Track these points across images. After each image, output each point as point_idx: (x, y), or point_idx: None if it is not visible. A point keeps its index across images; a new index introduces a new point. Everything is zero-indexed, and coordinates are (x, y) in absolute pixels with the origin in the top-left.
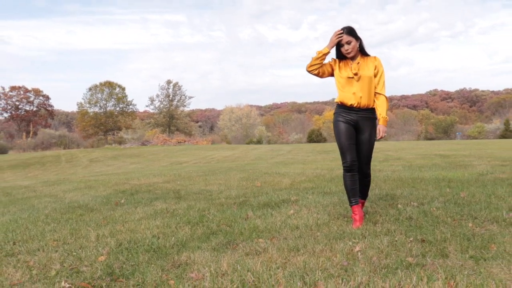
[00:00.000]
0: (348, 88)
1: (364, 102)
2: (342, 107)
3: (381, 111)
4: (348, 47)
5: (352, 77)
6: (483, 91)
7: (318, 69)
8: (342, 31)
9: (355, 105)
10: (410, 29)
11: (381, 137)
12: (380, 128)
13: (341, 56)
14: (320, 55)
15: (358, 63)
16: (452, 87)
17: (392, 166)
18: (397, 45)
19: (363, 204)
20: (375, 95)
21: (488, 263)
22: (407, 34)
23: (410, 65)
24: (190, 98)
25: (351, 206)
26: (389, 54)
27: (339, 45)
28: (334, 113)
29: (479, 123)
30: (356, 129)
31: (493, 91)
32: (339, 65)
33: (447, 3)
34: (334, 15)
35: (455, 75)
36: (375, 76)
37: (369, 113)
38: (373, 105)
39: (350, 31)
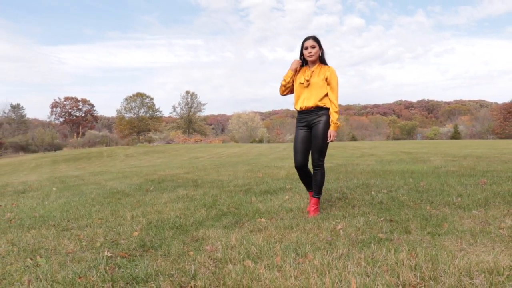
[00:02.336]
0: (298, 93)
1: (310, 105)
2: (298, 112)
3: (333, 117)
4: (312, 50)
5: (303, 83)
6: (438, 101)
7: (289, 89)
8: (301, 61)
9: (303, 109)
10: (381, 52)
11: (332, 140)
12: (331, 132)
13: (305, 62)
14: (289, 79)
15: (313, 71)
16: (414, 98)
17: (367, 161)
18: (371, 64)
19: (317, 202)
20: (329, 102)
21: (442, 238)
22: (379, 56)
23: (381, 80)
24: (204, 104)
25: (308, 191)
26: (365, 71)
27: (302, 49)
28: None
29: (435, 127)
30: (311, 128)
31: (445, 102)
32: (297, 74)
33: (410, 32)
34: (321, 40)
35: (416, 88)
36: (328, 84)
37: (320, 111)
38: (324, 105)
39: (316, 38)
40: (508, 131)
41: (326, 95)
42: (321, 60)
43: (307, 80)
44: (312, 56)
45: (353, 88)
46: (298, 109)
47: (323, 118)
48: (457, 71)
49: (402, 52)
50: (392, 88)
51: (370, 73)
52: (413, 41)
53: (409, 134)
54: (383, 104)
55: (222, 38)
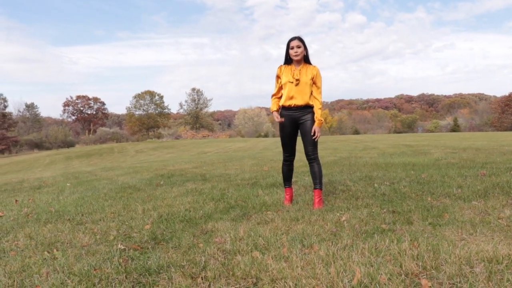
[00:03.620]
0: (287, 91)
1: (300, 103)
2: (284, 109)
3: (317, 114)
4: (298, 50)
5: (292, 82)
6: (438, 95)
7: (277, 99)
8: (283, 119)
9: (293, 106)
10: (382, 48)
11: (316, 137)
12: (315, 129)
13: (288, 61)
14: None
15: (300, 70)
16: (414, 92)
17: (369, 154)
18: (373, 59)
19: (320, 194)
20: (313, 99)
21: (442, 228)
22: (380, 51)
23: (383, 75)
24: (209, 100)
25: (284, 188)
26: (367, 66)
27: (288, 49)
28: (279, 114)
29: (435, 120)
30: (298, 124)
31: (445, 95)
32: (283, 72)
33: (410, 28)
34: (324, 37)
35: (417, 82)
36: (314, 83)
37: (308, 109)
38: (311, 103)
39: (301, 39)
40: (506, 123)
41: (312, 93)
42: (306, 59)
43: (297, 79)
44: (298, 55)
45: (355, 83)
46: (287, 106)
47: (310, 116)
48: (456, 65)
49: (402, 48)
50: (393, 83)
51: (372, 68)
52: (413, 36)
53: (410, 127)
54: (384, 98)
55: (227, 36)
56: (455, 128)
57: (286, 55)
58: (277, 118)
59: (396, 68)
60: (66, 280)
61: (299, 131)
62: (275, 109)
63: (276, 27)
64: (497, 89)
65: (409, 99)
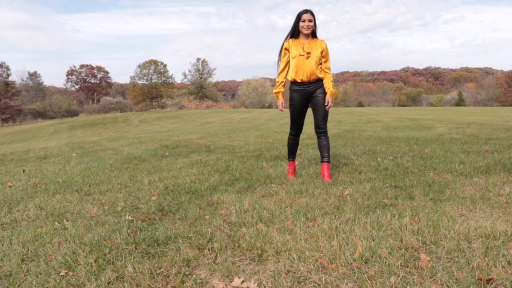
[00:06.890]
0: (298, 65)
1: (312, 77)
2: (296, 84)
3: (328, 86)
4: (309, 23)
5: (303, 55)
6: (444, 68)
7: (284, 83)
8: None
9: (305, 80)
10: (390, 19)
11: (329, 107)
12: (328, 99)
13: (296, 34)
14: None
15: (309, 43)
16: (421, 65)
17: (373, 127)
18: (380, 31)
19: (329, 167)
20: (324, 72)
21: (443, 204)
22: (388, 23)
23: (389, 47)
24: (214, 70)
25: (288, 161)
26: (373, 38)
27: (299, 21)
28: (290, 89)
29: (440, 94)
30: (310, 98)
31: (451, 69)
32: (291, 45)
33: None
34: (331, 7)
35: (423, 55)
36: (323, 56)
37: (319, 82)
38: (321, 77)
39: (313, 13)
40: None
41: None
42: (313, 34)
43: (308, 53)
44: (309, 29)
45: (361, 55)
46: (299, 81)
47: (322, 89)
48: (465, 38)
49: (411, 20)
50: (400, 55)
51: (379, 40)
52: (423, 8)
53: (414, 100)
54: (390, 71)
55: (233, 5)
56: (460, 103)
57: (294, 27)
58: (280, 107)
59: (403, 41)
60: (77, 250)
61: (310, 105)
62: (281, 97)
63: None
64: (505, 64)
65: (415, 72)
